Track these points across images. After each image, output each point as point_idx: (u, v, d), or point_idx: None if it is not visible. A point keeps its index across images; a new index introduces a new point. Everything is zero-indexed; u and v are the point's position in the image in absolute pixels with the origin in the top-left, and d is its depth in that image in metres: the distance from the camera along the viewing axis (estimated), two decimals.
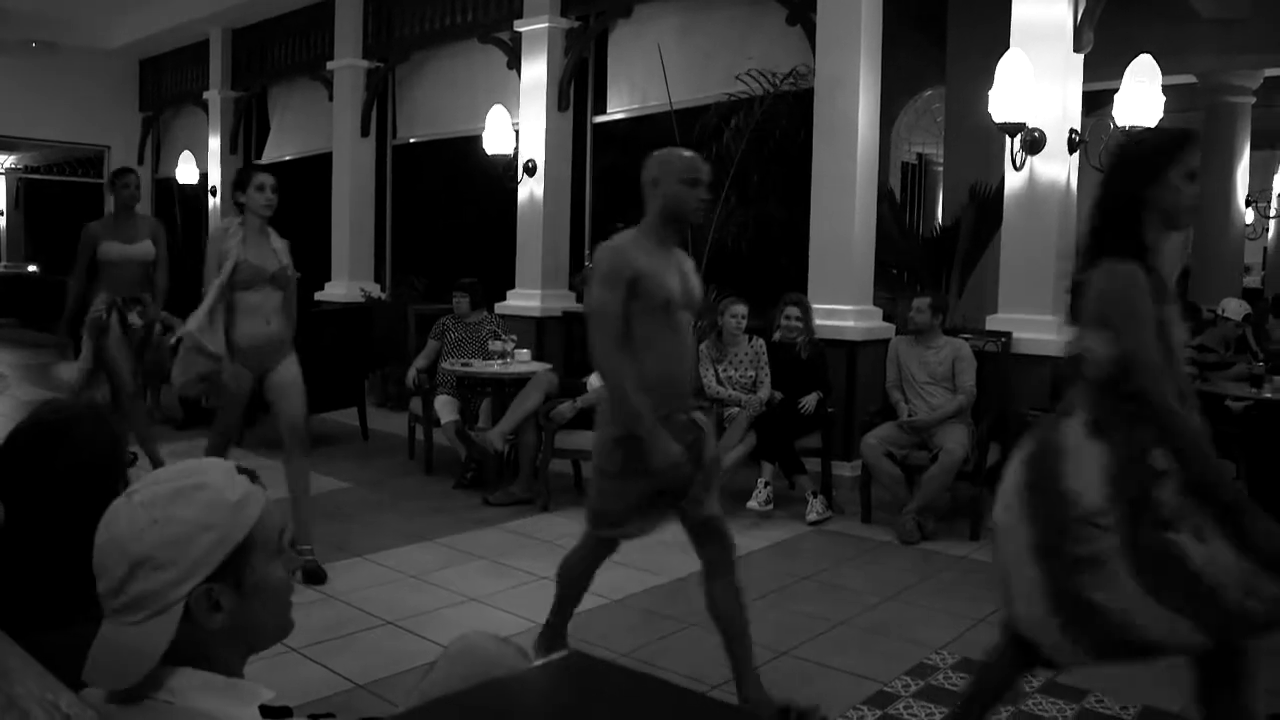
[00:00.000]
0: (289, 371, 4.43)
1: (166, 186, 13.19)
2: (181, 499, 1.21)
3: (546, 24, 7.89)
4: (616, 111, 8.16)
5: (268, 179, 4.37)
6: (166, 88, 13.39)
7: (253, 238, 4.31)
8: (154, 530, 1.19)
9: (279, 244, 4.45)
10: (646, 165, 2.98)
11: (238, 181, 4.40)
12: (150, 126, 13.78)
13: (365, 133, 9.93)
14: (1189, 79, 9.59)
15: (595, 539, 3.13)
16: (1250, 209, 10.67)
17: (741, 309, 5.61)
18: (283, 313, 4.40)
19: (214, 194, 12.03)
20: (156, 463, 5.32)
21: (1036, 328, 5.44)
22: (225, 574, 1.22)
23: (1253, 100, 10.03)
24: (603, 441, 2.96)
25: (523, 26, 8.06)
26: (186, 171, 12.07)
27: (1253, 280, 12.32)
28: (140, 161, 13.93)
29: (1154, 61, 5.17)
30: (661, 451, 2.80)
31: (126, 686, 1.19)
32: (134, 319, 5.58)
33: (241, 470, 1.30)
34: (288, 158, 11.40)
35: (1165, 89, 5.22)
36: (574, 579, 3.22)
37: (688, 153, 3.00)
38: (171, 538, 1.19)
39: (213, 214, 12.02)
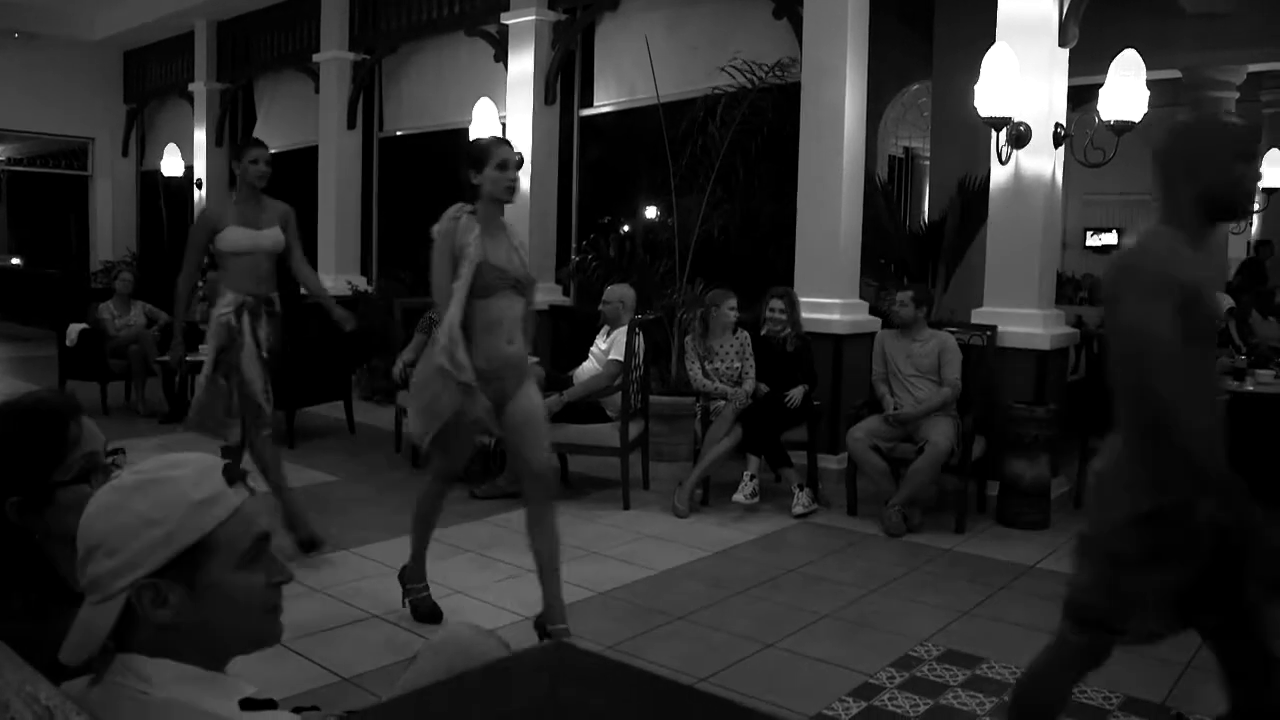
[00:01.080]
0: (530, 400, 3.55)
1: (151, 179, 13.14)
2: (141, 490, 1.20)
3: (533, 17, 7.88)
4: (603, 105, 8.16)
5: (510, 153, 3.48)
6: (151, 80, 13.33)
7: (489, 231, 3.44)
8: (109, 516, 1.20)
9: (519, 238, 3.61)
10: (1174, 137, 2.20)
11: (472, 157, 3.46)
12: (135, 119, 13.71)
13: (351, 125, 9.90)
14: (1174, 74, 9.63)
15: (1081, 644, 2.24)
16: None
17: (734, 302, 5.61)
18: (523, 327, 3.56)
19: (199, 186, 11.97)
20: (281, 494, 4.45)
21: (1022, 321, 5.46)
22: (174, 572, 1.19)
23: (1236, 95, 10.08)
24: (1116, 516, 2.13)
25: (509, 19, 8.05)
26: (171, 164, 12.01)
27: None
28: (125, 154, 13.88)
29: (1139, 56, 5.19)
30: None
31: (75, 663, 1.20)
32: (265, 336, 4.42)
33: (230, 470, 1.26)
34: (273, 150, 11.30)
35: (1150, 84, 5.24)
36: (1048, 703, 2.34)
37: (1237, 118, 2.25)
38: (121, 527, 1.18)
39: (198, 206, 11.96)
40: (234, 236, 4.37)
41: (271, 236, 4.46)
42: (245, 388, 4.34)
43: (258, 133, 11.59)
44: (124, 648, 1.22)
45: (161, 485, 1.21)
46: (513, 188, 3.47)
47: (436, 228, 3.47)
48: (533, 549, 3.53)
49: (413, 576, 3.80)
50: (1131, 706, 3.06)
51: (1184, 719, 2.89)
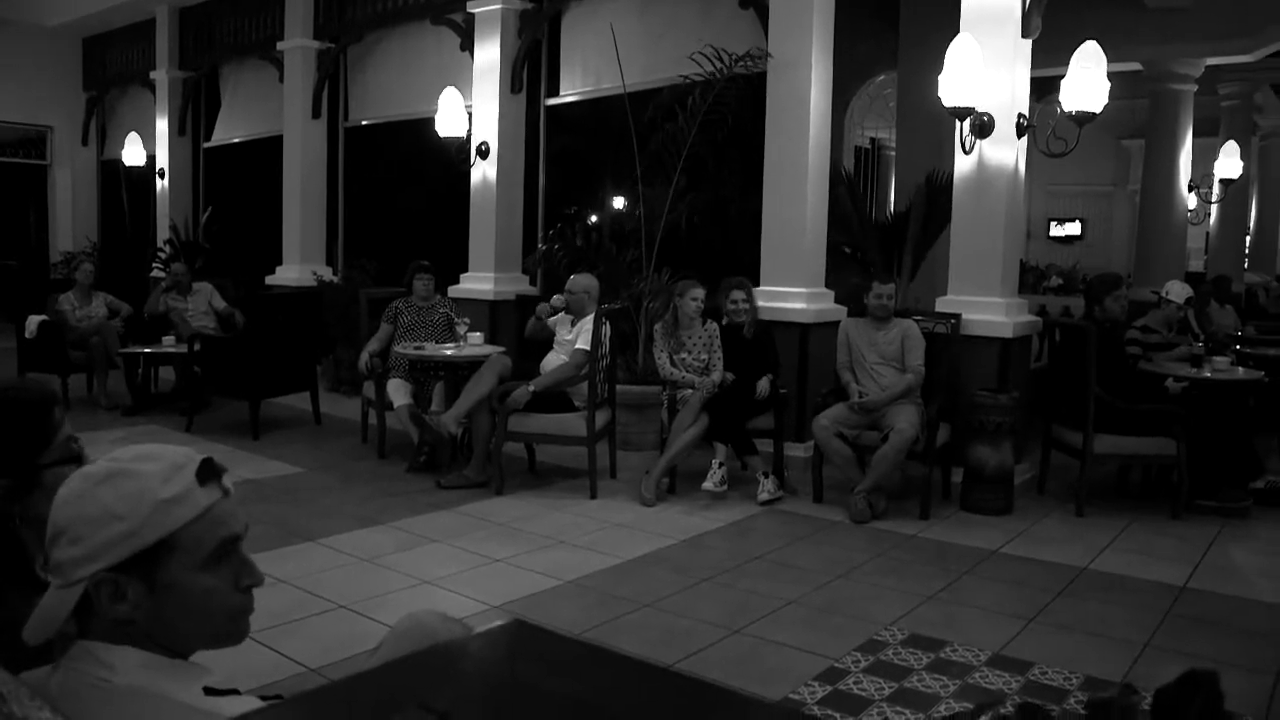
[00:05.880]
0: None
1: (113, 169, 12.93)
2: (109, 482, 1.19)
3: (500, 5, 7.84)
4: (569, 94, 8.13)
5: None
6: (112, 67, 13.09)
7: None
8: (76, 504, 1.19)
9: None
10: None
11: None
12: (95, 106, 13.47)
13: (317, 114, 9.81)
14: (1134, 66, 9.75)
15: None
16: (1193, 194, 10.90)
17: (701, 292, 5.62)
18: None
19: (162, 176, 11.80)
20: None
21: (985, 309, 5.52)
22: (133, 568, 1.18)
23: (1195, 88, 10.22)
24: None
25: (475, 8, 8.00)
26: (133, 153, 11.82)
27: (1195, 264, 12.59)
28: (85, 143, 13.64)
29: (1100, 48, 5.24)
30: None
31: (35, 643, 1.19)
32: None
33: (205, 469, 1.23)
34: (237, 139, 11.23)
35: (1111, 76, 5.29)
36: None
37: None
38: (85, 516, 1.18)
39: (160, 197, 11.80)
40: None
41: None
42: None
43: (221, 121, 11.44)
44: (86, 634, 1.22)
45: (129, 479, 1.19)
46: None
47: None
48: None
49: None
50: (1091, 686, 3.11)
51: (1133, 690, 2.94)
